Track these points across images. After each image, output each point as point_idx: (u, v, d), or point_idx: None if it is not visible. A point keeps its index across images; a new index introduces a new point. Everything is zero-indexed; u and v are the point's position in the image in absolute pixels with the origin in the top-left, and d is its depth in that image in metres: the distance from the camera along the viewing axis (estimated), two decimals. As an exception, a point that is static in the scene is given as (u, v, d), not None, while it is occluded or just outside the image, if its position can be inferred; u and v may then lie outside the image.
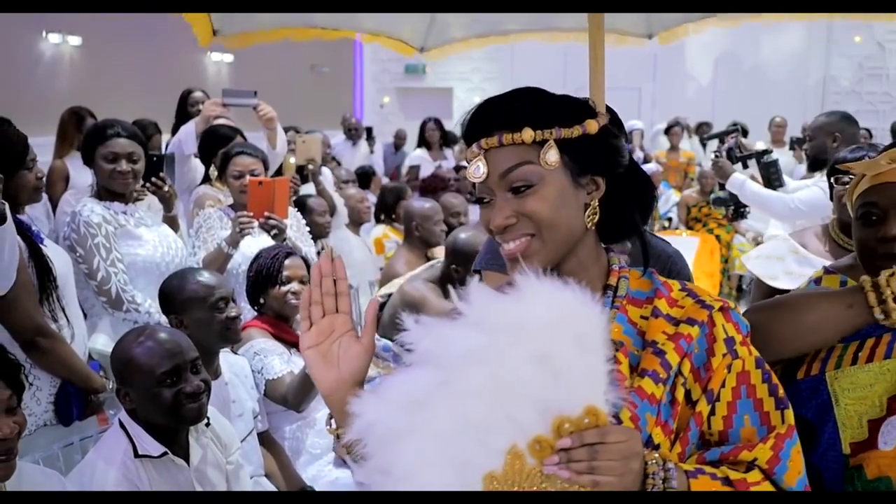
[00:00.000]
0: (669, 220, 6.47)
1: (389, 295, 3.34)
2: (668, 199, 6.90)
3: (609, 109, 1.78)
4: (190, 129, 3.78)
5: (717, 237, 5.61)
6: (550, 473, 0.94)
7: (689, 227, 6.06)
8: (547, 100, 1.10)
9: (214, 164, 3.47)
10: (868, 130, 6.96)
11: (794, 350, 1.36)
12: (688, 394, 1.08)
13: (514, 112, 1.08)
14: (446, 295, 2.95)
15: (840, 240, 2.22)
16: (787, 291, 2.28)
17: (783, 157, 4.85)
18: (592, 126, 1.09)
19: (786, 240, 2.39)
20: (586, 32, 1.54)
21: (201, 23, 2.00)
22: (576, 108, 1.10)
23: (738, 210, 3.98)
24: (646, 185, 1.16)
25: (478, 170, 1.09)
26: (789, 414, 1.09)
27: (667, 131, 8.23)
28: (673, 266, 1.87)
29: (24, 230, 2.21)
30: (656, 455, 1.01)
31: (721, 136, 4.04)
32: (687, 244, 4.85)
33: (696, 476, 1.03)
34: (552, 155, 1.06)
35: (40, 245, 2.29)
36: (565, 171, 1.08)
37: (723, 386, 1.07)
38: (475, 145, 1.10)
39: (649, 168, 7.16)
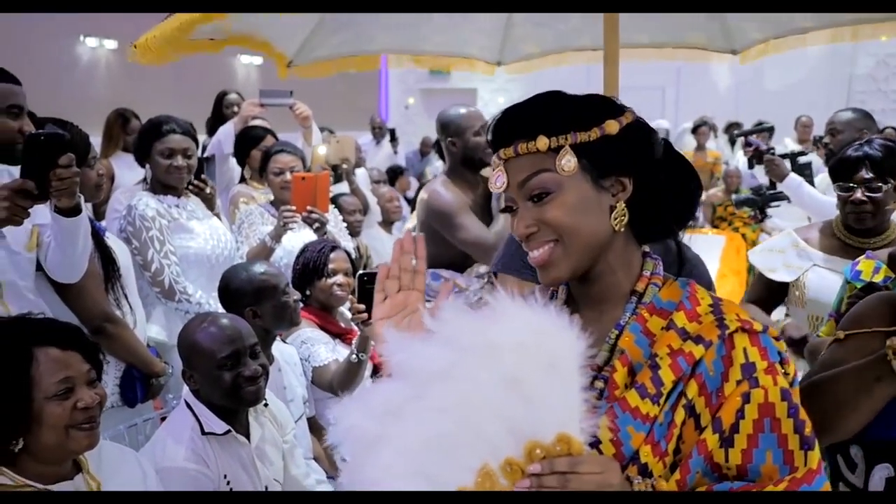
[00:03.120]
0: (695, 218, 6.52)
1: None
2: (694, 198, 6.92)
3: (630, 109, 1.84)
4: (229, 130, 3.93)
5: (743, 236, 5.66)
6: None
7: (715, 226, 6.10)
8: (563, 104, 1.08)
9: (248, 163, 3.62)
10: (894, 129, 6.95)
11: (840, 435, 1.34)
12: (696, 419, 1.01)
13: (528, 120, 1.07)
14: (467, 185, 2.94)
15: (844, 236, 2.29)
16: (784, 284, 2.35)
17: (814, 158, 4.86)
18: (612, 126, 1.06)
19: (789, 234, 2.43)
20: (664, 49, 1.59)
21: (277, 55, 2.12)
22: (594, 110, 1.08)
23: (762, 210, 4.02)
24: (688, 176, 1.12)
25: (498, 180, 1.09)
26: (813, 456, 1.01)
27: (694, 131, 8.26)
28: (693, 271, 1.79)
29: (89, 223, 2.34)
30: (649, 485, 0.98)
31: (750, 134, 4.07)
32: (712, 243, 4.90)
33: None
34: (568, 161, 1.04)
35: (103, 237, 2.43)
36: (585, 176, 1.05)
37: (742, 417, 1.00)
38: (495, 156, 1.10)
39: (674, 167, 7.22)
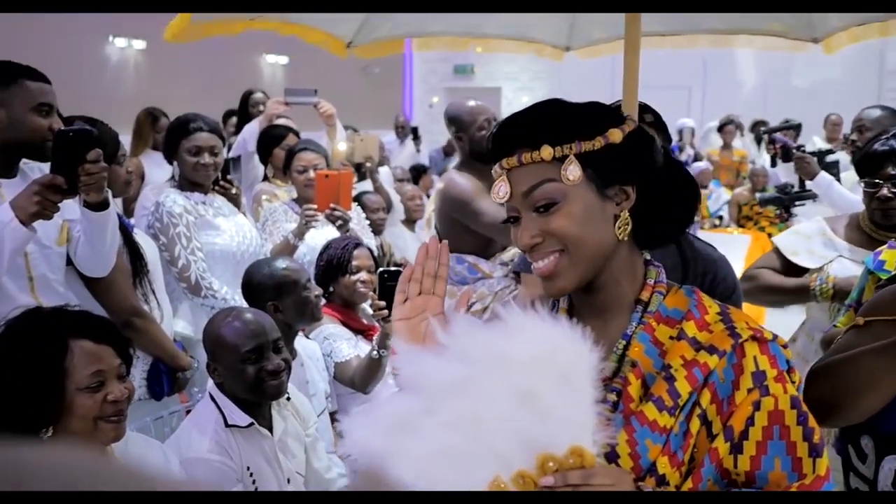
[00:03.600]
0: (720, 218, 6.47)
1: None
2: (719, 198, 6.88)
3: (651, 109, 1.82)
4: (254, 128, 3.98)
5: (770, 235, 5.61)
6: None
7: (741, 226, 6.05)
8: (566, 113, 1.07)
9: (271, 162, 3.66)
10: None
11: (856, 415, 1.33)
12: (708, 426, 1.02)
13: (532, 129, 1.06)
14: (480, 175, 2.92)
15: (870, 230, 2.27)
16: (802, 269, 2.33)
17: (842, 155, 4.79)
18: (616, 135, 1.05)
19: (818, 221, 2.42)
20: (738, 36, 1.53)
21: (331, 41, 2.13)
22: (598, 118, 1.07)
23: (787, 209, 3.97)
24: (688, 184, 1.12)
25: (501, 190, 1.07)
26: (821, 463, 1.01)
27: (720, 129, 8.18)
28: (718, 272, 1.80)
29: (118, 219, 2.39)
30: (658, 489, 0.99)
31: (775, 131, 4.01)
32: (738, 242, 4.88)
33: None
34: (573, 171, 1.03)
35: (131, 233, 2.47)
36: (590, 185, 1.04)
37: (752, 424, 1.00)
38: (498, 166, 1.09)
39: (699, 166, 7.16)
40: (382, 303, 2.32)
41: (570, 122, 1.05)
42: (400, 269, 2.46)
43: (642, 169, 1.07)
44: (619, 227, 1.06)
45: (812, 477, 1.00)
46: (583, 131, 1.04)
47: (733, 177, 7.64)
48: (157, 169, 4.11)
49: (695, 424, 1.01)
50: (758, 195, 5.23)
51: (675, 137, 8.41)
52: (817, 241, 2.35)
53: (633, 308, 1.09)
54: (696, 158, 7.33)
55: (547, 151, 1.03)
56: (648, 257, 1.14)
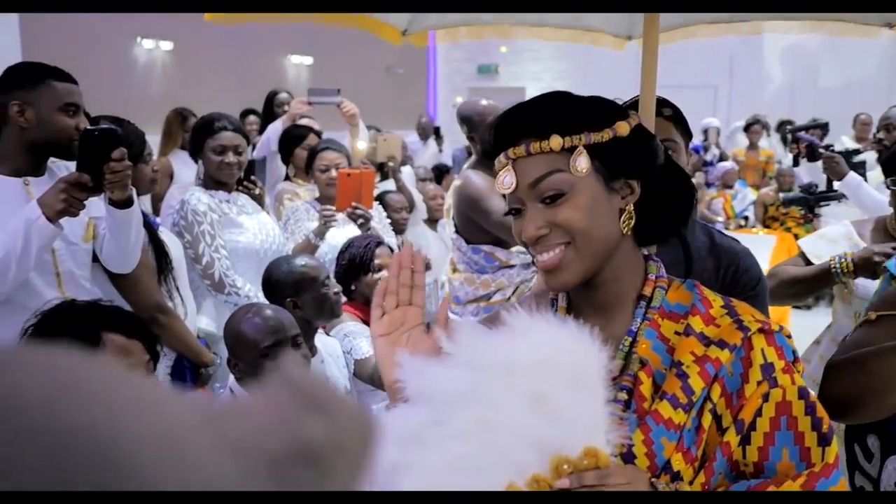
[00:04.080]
0: (746, 218, 6.42)
1: None
2: (745, 198, 6.82)
3: (670, 103, 1.81)
4: (278, 128, 4.03)
5: (796, 236, 5.55)
6: None
7: (766, 226, 6.00)
8: (574, 104, 1.06)
9: (292, 161, 3.70)
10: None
11: (880, 413, 1.32)
12: (718, 420, 1.01)
13: (540, 119, 1.04)
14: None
15: None
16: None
17: (868, 155, 4.73)
18: (623, 128, 1.04)
19: (845, 225, 2.38)
20: (806, 22, 1.45)
21: (387, 30, 2.15)
22: (605, 111, 1.06)
23: (811, 209, 3.92)
24: (685, 183, 1.12)
25: (506, 181, 1.05)
26: (830, 452, 1.01)
27: (746, 129, 8.10)
28: (741, 263, 1.79)
29: (143, 216, 2.43)
30: (673, 489, 0.97)
31: (800, 130, 3.97)
32: (763, 242, 4.83)
33: None
34: (582, 162, 1.01)
35: (156, 231, 2.52)
36: (597, 177, 1.03)
37: (759, 415, 1.00)
38: (503, 155, 1.06)
39: (724, 166, 7.10)
40: None
41: (579, 113, 1.04)
42: None
43: (646, 164, 1.07)
44: (624, 222, 1.05)
45: (821, 465, 0.99)
46: (591, 122, 1.03)
47: (759, 177, 7.56)
48: (185, 168, 4.17)
49: (706, 419, 1.00)
50: (781, 195, 5.17)
51: (700, 137, 8.33)
52: (843, 245, 2.32)
53: (635, 304, 1.08)
54: (722, 158, 7.26)
55: (556, 141, 1.01)
56: (646, 253, 1.13)
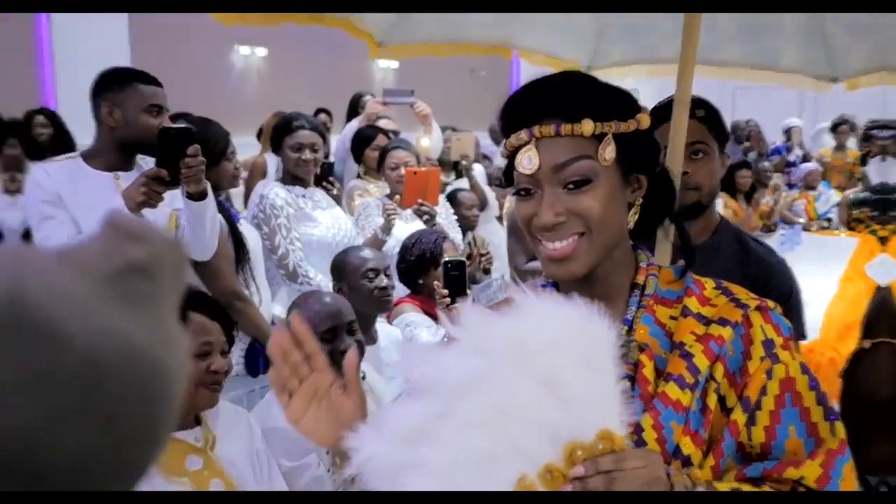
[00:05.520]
0: (829, 220, 6.21)
1: None
2: (829, 200, 6.59)
3: (705, 103, 1.77)
4: (354, 127, 4.23)
5: (881, 239, 5.35)
6: None
7: (851, 228, 5.79)
8: (603, 89, 1.02)
9: (363, 161, 3.92)
10: None
11: None
12: (722, 400, 0.98)
13: (572, 100, 0.98)
14: None
15: None
16: None
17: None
18: (645, 120, 1.01)
19: None
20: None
21: (368, 39, 2.30)
22: (629, 100, 1.03)
23: (885, 211, 3.78)
24: (669, 185, 1.10)
25: (529, 161, 0.98)
26: (839, 427, 0.98)
27: (833, 129, 7.81)
28: (773, 275, 1.73)
29: (224, 210, 2.62)
30: (685, 476, 0.93)
31: (876, 128, 3.84)
32: (843, 245, 4.70)
33: None
34: (611, 151, 0.98)
35: (236, 223, 2.73)
36: (617, 168, 1.00)
37: (764, 394, 0.97)
38: (525, 132, 0.99)
39: (807, 167, 6.88)
40: (446, 291, 2.47)
41: (609, 99, 1.00)
42: (463, 259, 2.60)
43: (655, 159, 1.07)
44: (631, 216, 1.04)
45: (836, 441, 0.97)
46: (619, 111, 1.00)
47: (846, 179, 7.26)
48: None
49: (712, 400, 0.98)
50: (850, 195, 5.00)
51: (782, 137, 8.06)
52: None
53: (629, 293, 1.06)
54: (805, 159, 7.02)
55: (588, 126, 0.97)
56: (632, 242, 1.12)
